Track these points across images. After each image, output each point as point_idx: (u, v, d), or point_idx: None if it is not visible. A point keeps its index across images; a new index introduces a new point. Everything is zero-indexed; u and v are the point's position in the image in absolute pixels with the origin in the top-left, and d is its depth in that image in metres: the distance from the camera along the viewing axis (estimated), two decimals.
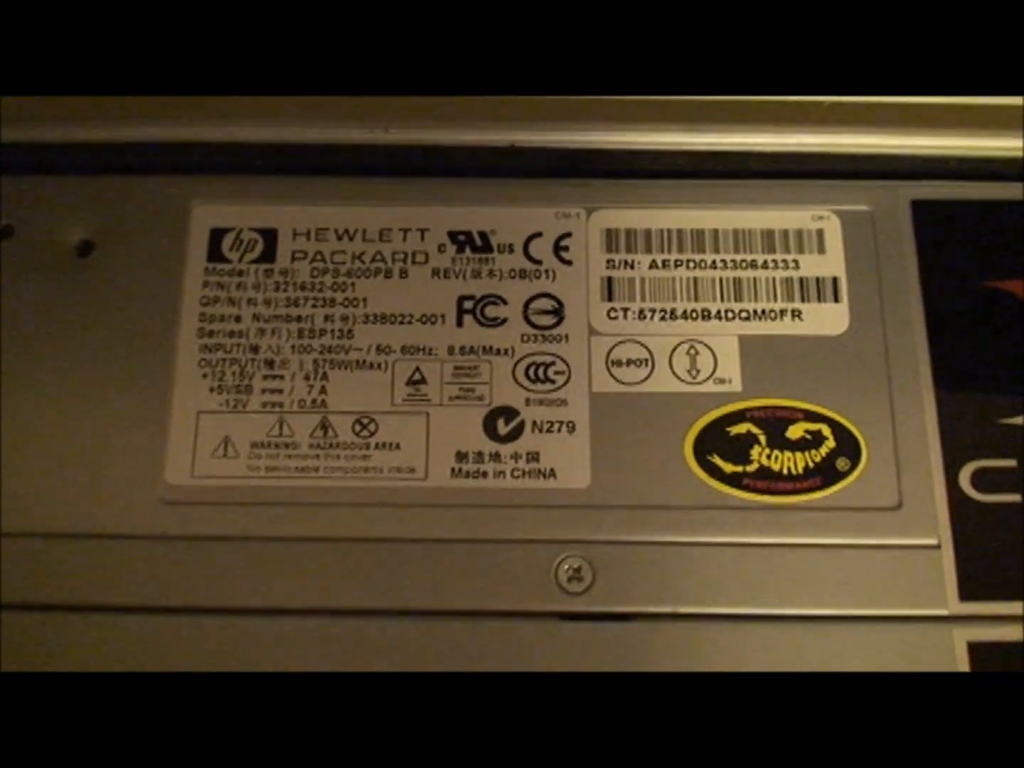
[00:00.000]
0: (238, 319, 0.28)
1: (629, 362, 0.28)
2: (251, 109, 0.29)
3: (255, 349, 0.28)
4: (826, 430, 0.27)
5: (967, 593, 0.26)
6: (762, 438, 0.27)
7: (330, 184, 0.29)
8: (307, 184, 0.29)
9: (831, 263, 0.29)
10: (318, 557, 0.26)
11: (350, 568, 0.26)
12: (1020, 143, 0.29)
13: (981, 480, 0.27)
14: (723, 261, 0.29)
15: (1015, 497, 0.27)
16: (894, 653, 0.26)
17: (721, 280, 0.29)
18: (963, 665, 0.26)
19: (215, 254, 0.29)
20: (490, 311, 0.28)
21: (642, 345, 0.28)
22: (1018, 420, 0.27)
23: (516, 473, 0.27)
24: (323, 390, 0.28)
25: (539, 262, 0.29)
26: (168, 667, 0.26)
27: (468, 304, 0.28)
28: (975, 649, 0.26)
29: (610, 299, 0.28)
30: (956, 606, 0.26)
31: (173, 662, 0.26)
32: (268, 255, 0.29)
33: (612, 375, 0.28)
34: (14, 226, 0.29)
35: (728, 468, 0.27)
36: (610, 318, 0.28)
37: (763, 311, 0.28)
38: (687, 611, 0.26)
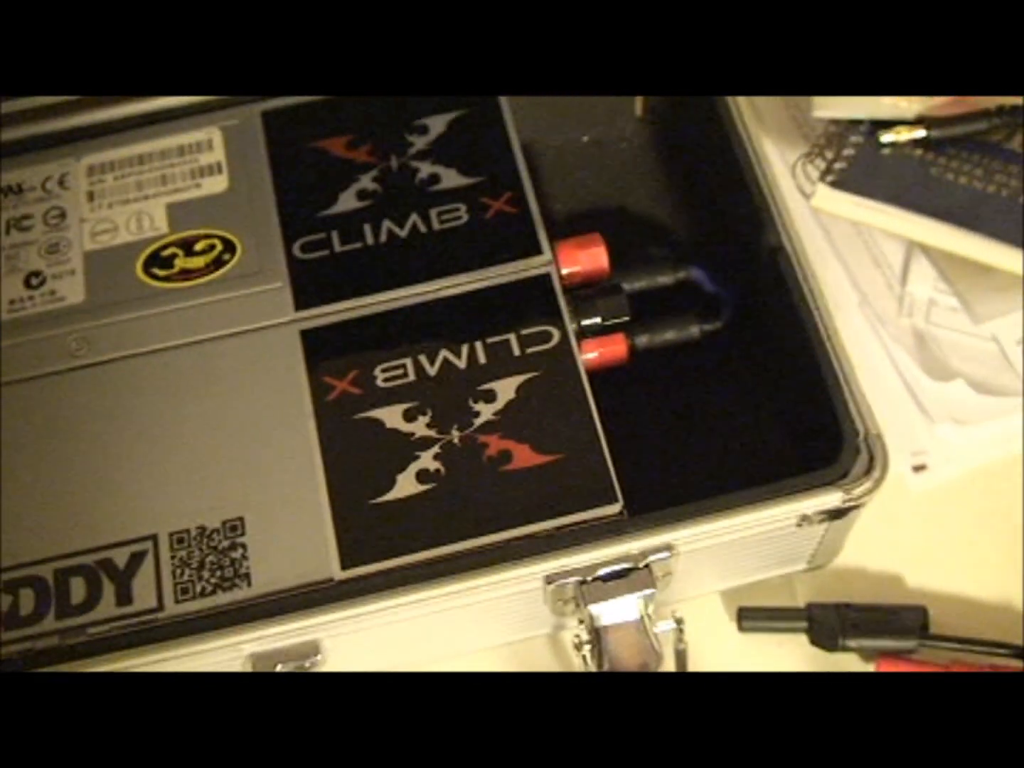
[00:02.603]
0: None
1: (103, 232, 0.48)
2: None
3: None
4: (217, 242, 0.47)
5: (300, 305, 0.46)
6: (180, 253, 0.47)
7: None
8: None
9: (216, 155, 0.49)
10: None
11: None
12: None
13: (304, 247, 0.47)
14: (153, 167, 0.49)
15: (324, 253, 0.47)
16: (258, 349, 0.45)
17: (153, 177, 0.49)
18: (299, 351, 0.45)
19: None
20: (24, 223, 0.49)
21: (109, 221, 0.48)
22: (328, 212, 0.48)
23: (43, 303, 0.47)
24: None
25: (50, 191, 0.49)
26: None
27: (11, 222, 0.49)
28: (306, 334, 0.45)
29: (91, 201, 0.49)
30: (292, 314, 0.46)
31: None
32: None
33: (94, 240, 0.48)
34: None
35: (162, 273, 0.47)
36: (91, 211, 0.48)
37: (178, 188, 0.49)
38: (145, 350, 0.46)
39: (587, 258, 0.48)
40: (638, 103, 0.56)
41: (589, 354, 0.46)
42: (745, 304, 0.50)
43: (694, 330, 0.49)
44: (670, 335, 0.48)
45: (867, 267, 0.53)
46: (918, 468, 0.49)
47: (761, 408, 0.49)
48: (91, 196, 0.49)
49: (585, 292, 0.47)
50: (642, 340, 0.48)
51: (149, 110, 0.50)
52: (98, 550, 0.42)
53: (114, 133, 0.50)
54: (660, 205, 0.55)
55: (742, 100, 0.50)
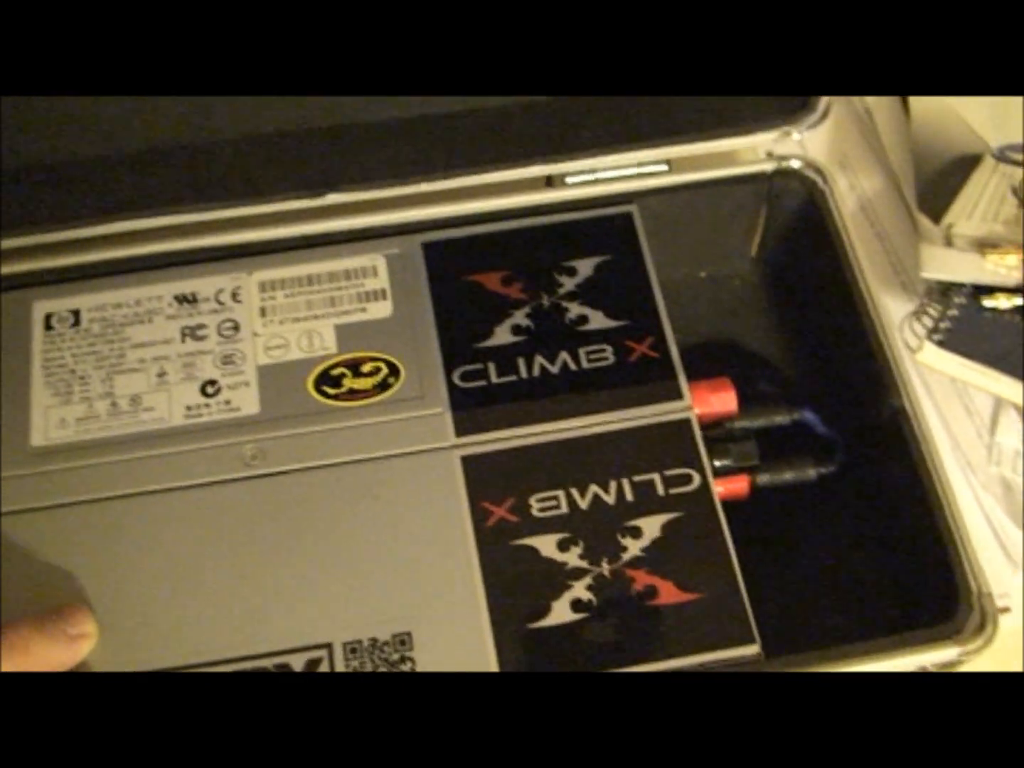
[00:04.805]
0: (62, 357, 0.52)
1: (276, 347, 0.52)
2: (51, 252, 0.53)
3: (72, 371, 0.51)
4: (382, 365, 0.51)
5: (460, 432, 0.50)
6: (349, 373, 0.51)
7: (100, 282, 0.53)
8: (88, 284, 0.53)
9: (381, 281, 0.53)
10: (110, 475, 0.49)
11: (135, 470, 0.49)
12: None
13: (463, 376, 0.51)
14: (322, 288, 0.53)
15: (482, 383, 0.51)
16: (422, 470, 0.49)
17: (323, 298, 0.53)
18: (459, 476, 0.49)
19: (48, 326, 0.53)
20: (199, 332, 0.52)
21: (281, 337, 0.52)
22: (485, 344, 0.52)
23: (219, 411, 0.51)
24: (111, 386, 0.51)
25: (223, 303, 0.53)
26: None
27: (187, 331, 0.52)
28: (466, 460, 0.49)
29: (264, 316, 0.53)
30: (453, 440, 0.50)
31: None
32: (76, 323, 0.53)
33: (267, 355, 0.52)
34: None
35: (331, 391, 0.51)
36: (263, 326, 0.52)
37: (345, 310, 0.53)
38: (317, 464, 0.49)
39: (718, 402, 0.52)
40: (754, 243, 0.61)
41: (715, 489, 0.51)
42: (853, 448, 0.54)
43: (811, 472, 0.53)
44: (789, 476, 0.53)
45: (959, 415, 0.58)
46: (1002, 610, 0.54)
47: (869, 552, 0.54)
48: (263, 311, 0.53)
49: (717, 434, 0.52)
50: (763, 479, 0.52)
51: (315, 232, 0.54)
52: (276, 654, 0.46)
53: (281, 252, 0.54)
54: (771, 342, 0.60)
55: (859, 247, 0.55)
